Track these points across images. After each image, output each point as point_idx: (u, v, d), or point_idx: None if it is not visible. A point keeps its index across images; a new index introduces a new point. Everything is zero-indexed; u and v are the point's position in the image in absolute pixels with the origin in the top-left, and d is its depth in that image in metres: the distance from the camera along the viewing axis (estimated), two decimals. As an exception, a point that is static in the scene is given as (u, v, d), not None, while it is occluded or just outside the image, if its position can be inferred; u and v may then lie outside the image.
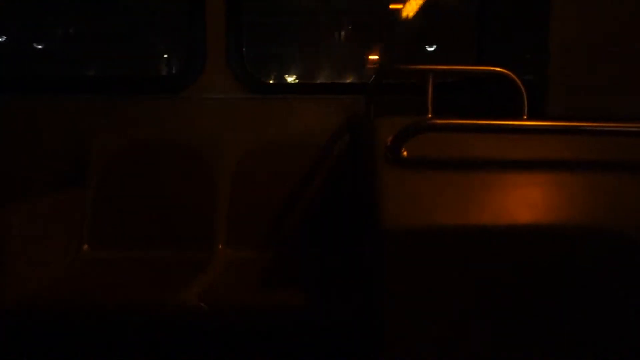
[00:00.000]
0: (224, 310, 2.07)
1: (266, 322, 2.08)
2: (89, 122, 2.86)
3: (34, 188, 2.77)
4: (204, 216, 2.68)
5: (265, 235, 2.69)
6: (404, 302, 1.24)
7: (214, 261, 2.52)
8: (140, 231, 2.68)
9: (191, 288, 2.15)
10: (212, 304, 2.06)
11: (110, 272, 2.44)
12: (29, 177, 2.87)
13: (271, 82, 3.10)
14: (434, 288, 1.23)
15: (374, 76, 2.60)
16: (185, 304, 2.06)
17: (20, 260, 2.19)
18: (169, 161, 2.77)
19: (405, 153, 1.41)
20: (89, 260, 2.58)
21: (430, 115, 2.12)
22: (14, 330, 2.10)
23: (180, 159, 2.77)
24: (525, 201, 1.32)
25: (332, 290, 2.18)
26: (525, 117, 2.09)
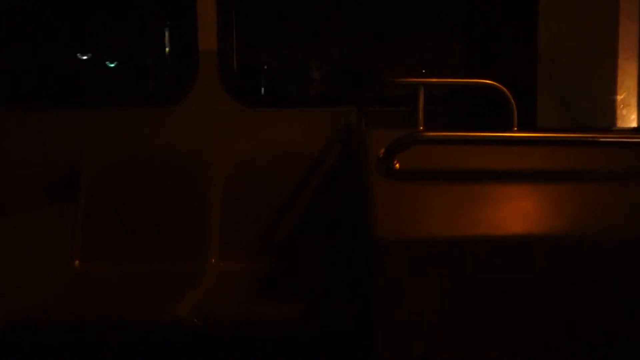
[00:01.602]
0: (217, 325, 2.05)
1: (259, 336, 2.07)
2: (79, 135, 2.85)
3: (25, 202, 2.75)
4: (195, 229, 2.67)
5: (257, 247, 2.69)
6: (396, 312, 1.24)
7: (207, 274, 2.51)
8: (132, 245, 2.66)
9: (184, 303, 2.13)
10: (205, 319, 2.05)
11: (102, 287, 2.42)
12: (19, 191, 2.85)
13: (262, 94, 3.11)
14: (425, 298, 1.23)
15: (365, 88, 2.62)
16: (178, 320, 2.04)
17: (10, 276, 2.17)
18: (160, 174, 2.76)
19: (397, 165, 1.43)
20: (80, 275, 2.55)
21: (421, 128, 2.14)
22: (4, 346, 2.08)
23: (172, 171, 2.76)
24: (515, 212, 1.33)
25: (325, 302, 2.17)
26: (515, 128, 2.11)
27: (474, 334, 1.24)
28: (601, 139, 1.40)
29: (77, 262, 2.62)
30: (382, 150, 1.42)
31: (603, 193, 1.39)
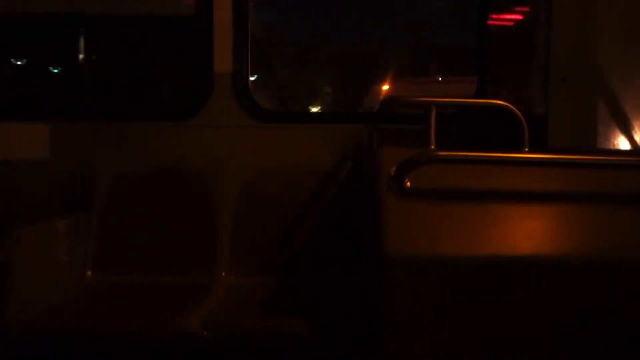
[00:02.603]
0: (227, 338, 2.06)
1: (268, 350, 2.07)
2: (94, 147, 2.90)
3: (39, 214, 2.79)
4: (207, 242, 2.69)
5: (268, 261, 2.70)
6: (405, 331, 1.25)
7: (217, 287, 2.53)
8: (144, 257, 2.69)
9: (194, 315, 2.15)
10: (214, 332, 2.06)
11: (114, 298, 2.44)
12: (34, 203, 2.89)
13: (276, 110, 3.15)
14: (434, 317, 1.24)
15: (377, 106, 2.64)
16: (188, 332, 2.05)
17: (25, 286, 2.20)
18: (173, 187, 2.80)
19: (408, 184, 1.44)
20: (92, 285, 2.58)
21: (432, 147, 2.15)
22: (18, 355, 2.10)
23: (185, 185, 2.79)
24: (526, 232, 1.33)
25: (334, 318, 2.17)
26: (526, 149, 2.11)
27: (483, 352, 1.24)
28: (615, 161, 1.41)
29: (89, 272, 2.65)
30: (394, 169, 1.44)
31: (617, 215, 1.39)
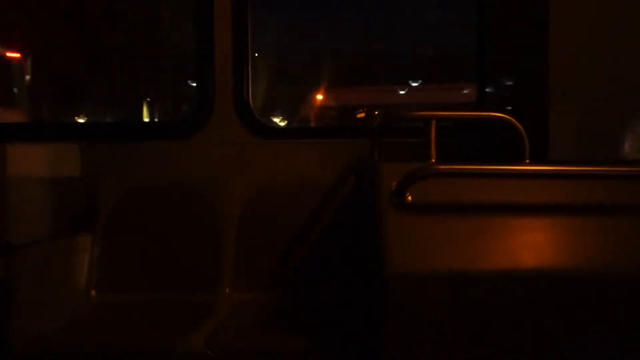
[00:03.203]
0: (229, 357, 2.05)
1: None
2: (97, 166, 2.92)
3: (42, 233, 2.79)
4: (210, 259, 2.69)
5: (271, 278, 2.69)
6: (407, 346, 1.24)
7: (220, 304, 2.52)
8: (147, 275, 2.69)
9: (197, 333, 2.14)
10: (218, 351, 2.05)
11: (118, 317, 2.44)
12: (37, 222, 2.90)
13: (277, 126, 3.17)
14: (437, 332, 1.23)
15: (378, 120, 2.65)
16: (192, 351, 2.04)
17: (28, 306, 2.20)
18: (175, 205, 2.80)
19: (409, 198, 1.44)
20: (96, 305, 2.58)
21: (433, 160, 2.15)
22: None
23: (187, 202, 2.80)
24: (527, 245, 1.33)
25: (337, 335, 2.16)
26: (527, 161, 2.11)
27: None
28: (614, 172, 1.40)
29: (93, 292, 2.65)
30: (395, 183, 1.44)
31: (618, 226, 1.39)
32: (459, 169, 1.41)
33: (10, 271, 2.16)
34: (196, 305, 2.48)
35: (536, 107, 2.27)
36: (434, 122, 2.20)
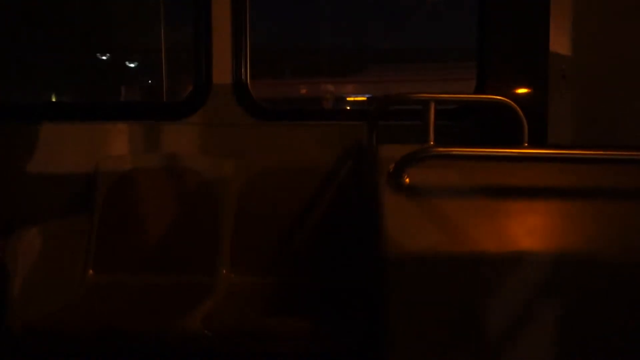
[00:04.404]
0: (227, 336, 2.07)
1: (268, 349, 2.07)
2: (94, 147, 2.90)
3: (40, 214, 2.79)
4: (208, 241, 2.69)
5: (269, 260, 2.70)
6: (406, 328, 1.24)
7: (218, 286, 2.53)
8: (145, 256, 2.69)
9: (195, 314, 2.15)
10: (215, 330, 2.06)
11: (115, 297, 2.45)
12: (35, 203, 2.90)
13: (274, 108, 3.14)
14: (436, 313, 1.23)
15: (376, 103, 2.64)
16: (189, 331, 2.06)
17: (26, 286, 2.20)
18: (173, 187, 2.80)
19: (407, 180, 1.44)
20: (93, 285, 2.58)
21: (432, 143, 2.15)
22: (20, 355, 2.10)
23: (185, 184, 2.79)
24: (526, 228, 1.33)
25: (335, 317, 2.18)
26: (526, 144, 2.11)
27: (486, 350, 1.24)
28: (614, 156, 1.40)
29: (91, 272, 2.65)
30: (393, 165, 1.44)
31: (615, 210, 1.39)
32: (457, 151, 1.41)
33: (7, 253, 2.16)
34: (194, 287, 2.49)
35: (536, 91, 2.26)
36: (432, 105, 2.19)
